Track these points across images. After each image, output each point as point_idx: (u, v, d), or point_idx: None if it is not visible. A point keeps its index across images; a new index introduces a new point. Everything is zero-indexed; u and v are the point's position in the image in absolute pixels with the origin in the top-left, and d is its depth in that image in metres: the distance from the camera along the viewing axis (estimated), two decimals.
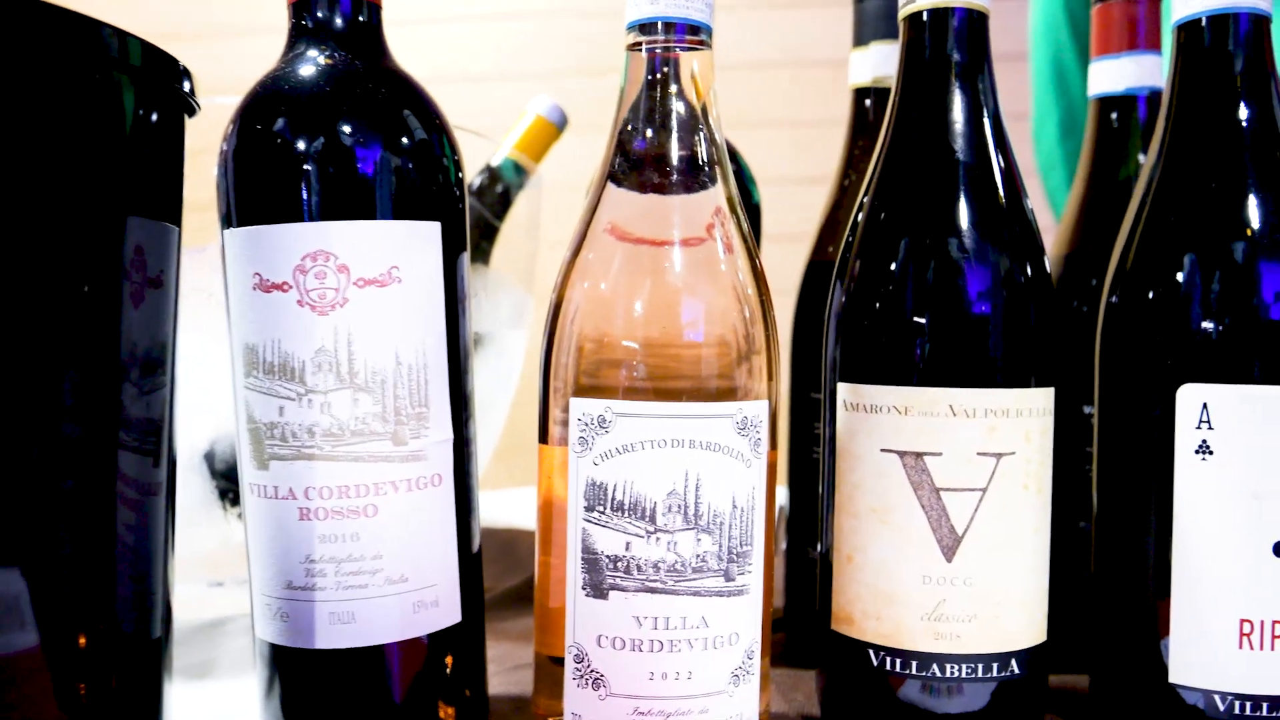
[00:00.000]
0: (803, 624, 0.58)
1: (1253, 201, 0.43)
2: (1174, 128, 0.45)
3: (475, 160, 0.71)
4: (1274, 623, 0.42)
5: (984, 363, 0.43)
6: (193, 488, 0.58)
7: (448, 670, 0.44)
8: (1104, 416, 0.46)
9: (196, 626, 0.61)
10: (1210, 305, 0.42)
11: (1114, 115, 0.58)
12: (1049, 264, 0.59)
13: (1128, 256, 0.46)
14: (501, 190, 0.71)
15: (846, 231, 0.47)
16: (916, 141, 0.45)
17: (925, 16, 0.46)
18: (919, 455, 0.42)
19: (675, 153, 0.41)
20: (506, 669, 0.53)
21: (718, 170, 0.42)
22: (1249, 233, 0.42)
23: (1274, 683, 0.42)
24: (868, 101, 0.58)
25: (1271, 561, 0.42)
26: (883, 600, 0.43)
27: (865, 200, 0.46)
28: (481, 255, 0.71)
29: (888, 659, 0.43)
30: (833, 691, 0.46)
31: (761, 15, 2.06)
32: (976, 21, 0.46)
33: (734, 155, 0.59)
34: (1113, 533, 0.45)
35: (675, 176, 0.41)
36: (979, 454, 0.42)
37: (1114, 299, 0.46)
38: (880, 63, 0.57)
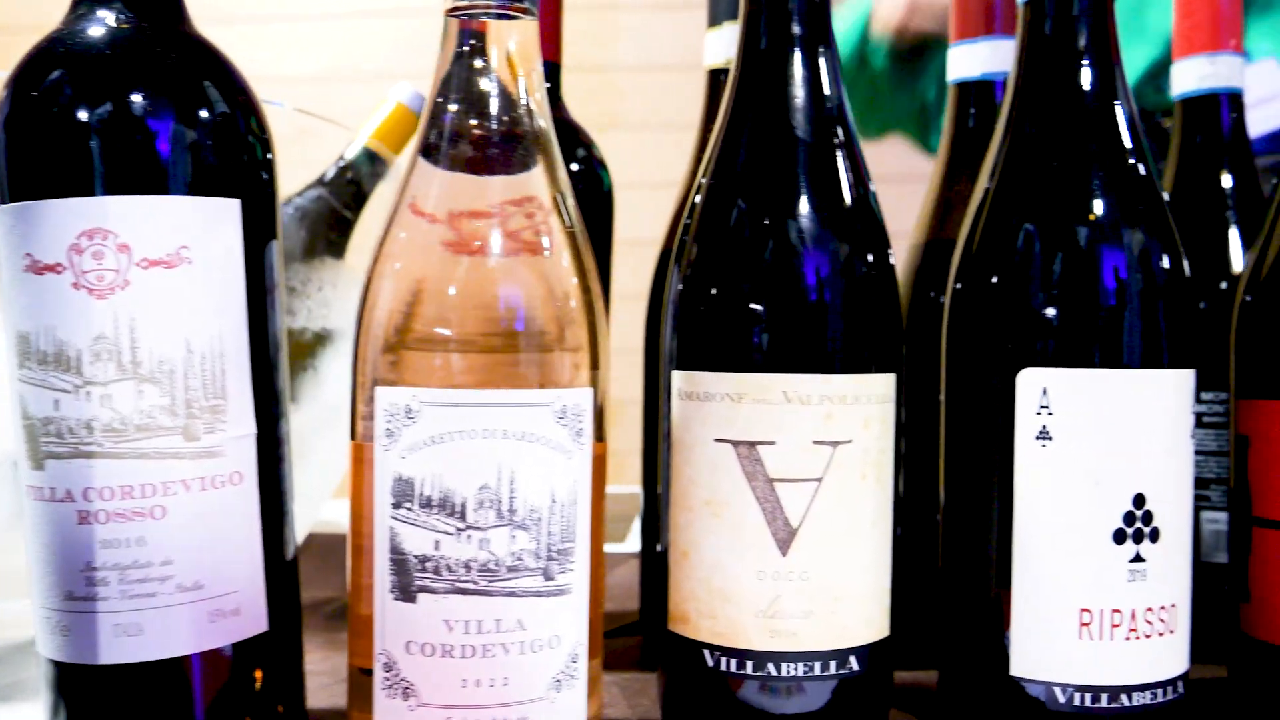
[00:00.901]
0: (657, 626, 0.56)
1: (1091, 185, 0.42)
2: (1017, 110, 0.44)
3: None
4: (1113, 611, 0.41)
5: (819, 348, 0.41)
6: (2, 498, 0.54)
7: (256, 684, 0.41)
8: (949, 404, 0.45)
9: (14, 646, 0.56)
10: (1050, 288, 0.41)
11: (971, 101, 0.57)
12: (911, 250, 0.59)
13: (971, 241, 0.45)
14: (353, 180, 0.67)
15: (684, 215, 0.46)
16: (753, 121, 0.44)
17: None
18: (753, 445, 0.41)
19: (483, 129, 0.39)
20: (337, 681, 0.49)
21: (536, 150, 0.40)
22: (1087, 217, 0.42)
23: (1113, 673, 0.41)
24: (722, 81, 0.57)
25: (1111, 549, 0.41)
26: (717, 598, 0.41)
27: (702, 183, 0.45)
28: (333, 249, 0.67)
29: (723, 659, 0.41)
30: (672, 695, 0.44)
31: (619, 17, 2.05)
32: None
33: (585, 142, 0.57)
34: (957, 522, 0.44)
35: (483, 154, 0.39)
36: (815, 443, 0.40)
37: (958, 285, 0.44)
38: (733, 43, 0.56)
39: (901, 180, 0.75)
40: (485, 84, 0.39)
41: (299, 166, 0.63)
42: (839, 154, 0.43)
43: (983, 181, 0.45)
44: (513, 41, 0.39)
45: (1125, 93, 0.43)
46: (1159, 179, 0.44)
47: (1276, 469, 0.43)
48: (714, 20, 0.56)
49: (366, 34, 1.90)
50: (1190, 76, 0.57)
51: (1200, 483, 0.53)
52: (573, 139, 0.56)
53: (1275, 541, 0.43)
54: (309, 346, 0.61)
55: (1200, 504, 0.54)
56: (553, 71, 0.56)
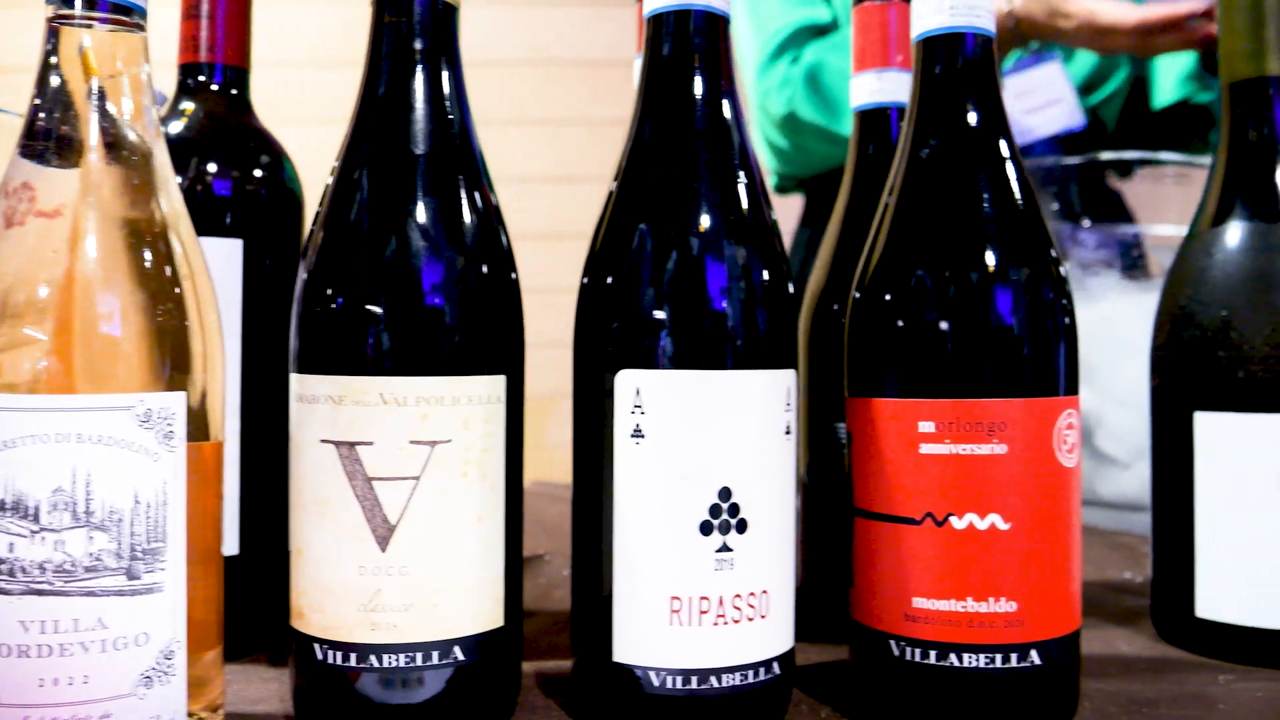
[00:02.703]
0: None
1: (691, 194, 0.44)
2: (638, 117, 0.46)
3: None
4: (701, 599, 0.43)
5: (415, 352, 0.42)
6: None
7: None
8: (574, 401, 0.47)
9: None
10: (644, 292, 0.44)
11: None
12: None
13: (595, 243, 0.46)
14: None
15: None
16: (376, 127, 0.45)
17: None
18: (352, 445, 0.42)
19: (54, 129, 0.40)
20: None
21: (116, 152, 0.40)
22: (682, 225, 0.44)
23: (700, 657, 0.43)
24: None
25: (698, 540, 0.43)
26: (324, 593, 0.43)
27: (327, 185, 0.46)
28: None
29: (330, 652, 0.43)
30: (300, 690, 0.45)
31: (516, 13, 2.06)
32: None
33: (273, 146, 0.57)
34: (576, 516, 0.46)
35: (57, 152, 0.40)
36: (411, 442, 0.42)
37: (583, 281, 0.46)
38: None
39: None
40: (60, 84, 0.40)
41: None
42: (461, 167, 0.45)
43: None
44: (87, 43, 0.40)
45: (738, 121, 0.46)
46: (762, 192, 0.46)
47: (871, 463, 0.46)
48: None
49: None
50: (863, 91, 0.60)
51: None
52: (260, 143, 0.57)
53: (872, 531, 0.46)
54: None
55: None
56: (238, 76, 0.57)
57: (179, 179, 0.54)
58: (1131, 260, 0.89)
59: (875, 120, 0.60)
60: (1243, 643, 0.53)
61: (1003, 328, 0.44)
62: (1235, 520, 0.54)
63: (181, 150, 0.54)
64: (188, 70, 0.56)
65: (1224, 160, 0.57)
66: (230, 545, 0.54)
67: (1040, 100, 1.18)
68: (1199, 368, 0.55)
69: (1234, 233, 0.56)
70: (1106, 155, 0.87)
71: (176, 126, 0.55)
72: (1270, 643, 0.53)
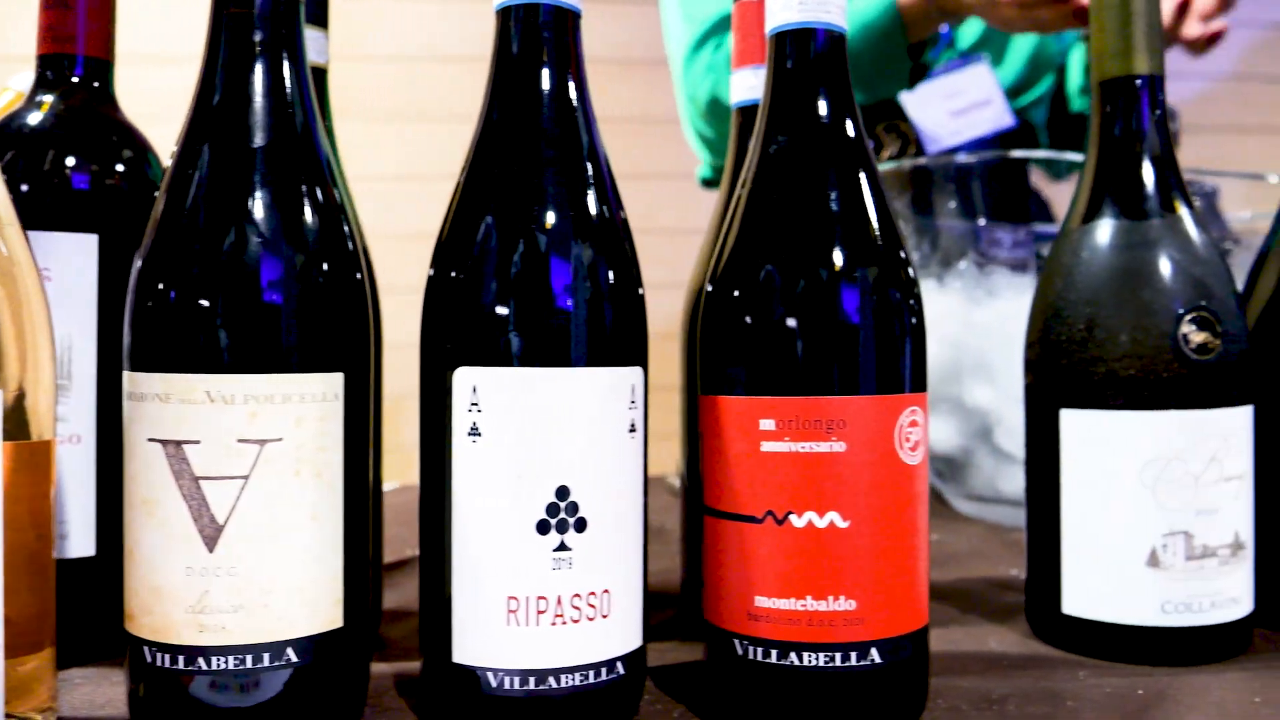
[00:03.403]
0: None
1: (534, 196, 0.44)
2: (487, 110, 0.46)
3: None
4: (539, 598, 0.43)
5: (240, 349, 0.42)
6: None
7: None
8: (420, 399, 0.46)
9: None
10: (480, 291, 0.43)
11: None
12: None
13: (440, 236, 0.46)
14: None
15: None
16: (213, 123, 0.44)
17: None
18: (179, 444, 0.41)
19: None
20: None
21: None
22: (520, 224, 0.43)
23: (539, 657, 0.43)
24: None
25: (534, 539, 0.43)
26: (153, 595, 0.42)
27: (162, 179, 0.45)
28: None
29: (160, 655, 0.42)
30: (134, 695, 0.44)
31: (410, 8, 2.05)
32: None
33: (137, 138, 0.57)
34: (422, 516, 0.45)
35: None
36: (240, 441, 0.41)
37: (429, 274, 0.46)
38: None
39: None
40: None
41: None
42: (299, 163, 0.44)
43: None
44: None
45: (586, 117, 0.45)
46: (610, 190, 0.46)
47: (717, 461, 0.46)
48: None
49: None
50: (742, 87, 0.60)
51: None
52: (123, 137, 0.56)
53: (717, 529, 0.46)
54: None
55: None
56: (101, 69, 0.56)
57: (34, 172, 0.53)
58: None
59: (753, 116, 0.59)
60: (1105, 639, 0.54)
61: (841, 326, 0.44)
62: (1097, 517, 0.54)
63: (38, 143, 0.53)
64: (47, 62, 0.55)
65: (1094, 158, 0.57)
66: (85, 546, 0.53)
67: (969, 102, 1.18)
68: (1065, 365, 0.55)
69: (1101, 230, 0.56)
70: (1017, 154, 0.87)
71: (34, 119, 0.54)
72: (1130, 639, 0.53)
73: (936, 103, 1.10)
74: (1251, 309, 0.60)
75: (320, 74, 0.57)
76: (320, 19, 0.56)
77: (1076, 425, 0.54)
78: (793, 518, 0.43)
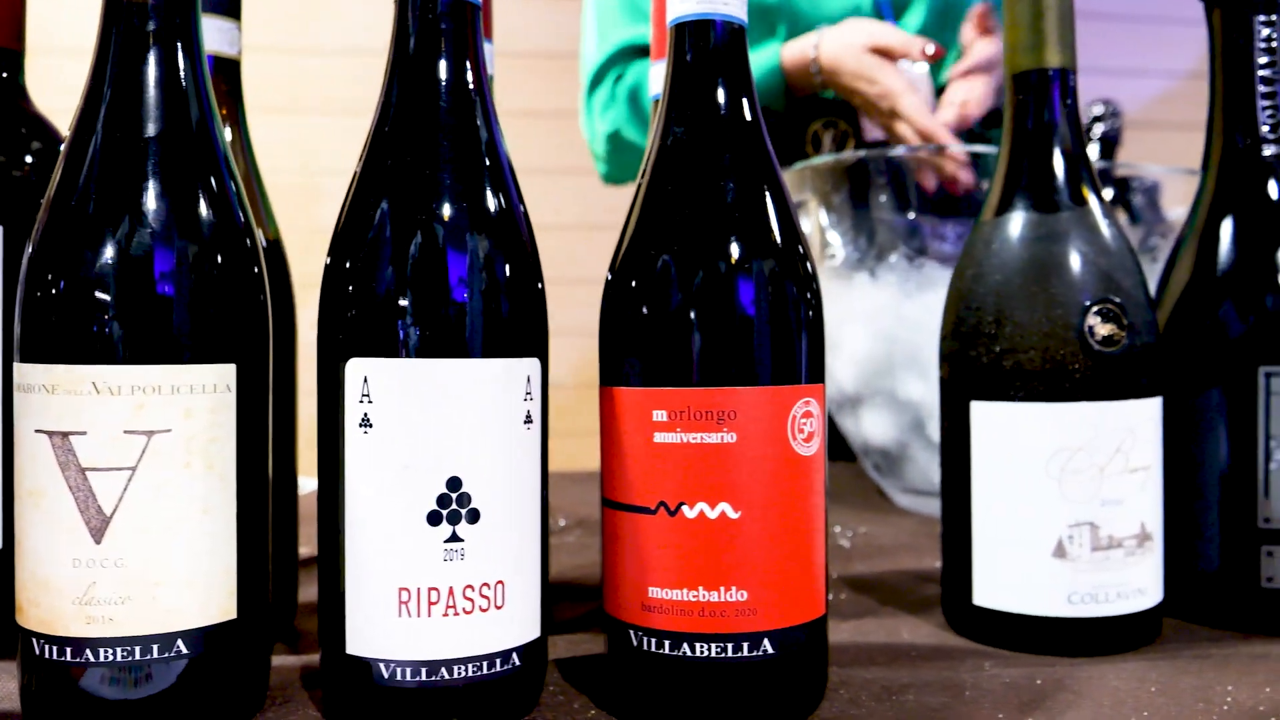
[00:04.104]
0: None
1: (429, 187, 0.44)
2: (386, 96, 0.46)
3: None
4: (430, 590, 0.43)
5: (127, 339, 0.41)
6: None
7: None
8: (317, 390, 0.46)
9: None
10: (371, 282, 0.43)
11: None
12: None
13: (337, 227, 0.46)
14: None
15: None
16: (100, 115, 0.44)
17: None
18: (65, 435, 0.41)
19: None
20: None
21: None
22: (411, 214, 0.43)
23: (431, 648, 0.43)
24: None
25: (425, 531, 0.43)
26: (40, 587, 0.42)
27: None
28: None
29: (48, 647, 0.42)
30: (25, 688, 0.44)
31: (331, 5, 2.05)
32: None
33: (49, 130, 0.56)
34: (320, 508, 0.45)
35: None
36: (126, 432, 0.41)
37: (327, 261, 0.46)
38: None
39: None
40: None
41: None
42: (194, 155, 0.44)
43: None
44: None
45: (485, 109, 0.45)
46: (509, 181, 0.46)
47: (614, 452, 0.46)
48: None
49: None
50: (659, 80, 0.60)
51: None
52: (34, 128, 0.55)
53: (614, 520, 0.46)
54: None
55: None
56: (9, 59, 0.55)
57: None
58: None
59: None
60: (1013, 630, 0.54)
61: (730, 317, 0.44)
62: (1006, 509, 0.54)
63: None
64: None
65: (1006, 151, 0.57)
66: None
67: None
68: (974, 357, 0.55)
69: (1011, 223, 0.56)
70: (945, 147, 0.88)
71: None
72: (1037, 629, 0.53)
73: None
74: (1166, 301, 0.61)
75: (232, 66, 0.57)
76: (233, 10, 0.56)
77: (986, 417, 0.55)
78: (684, 509, 0.44)
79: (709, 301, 0.44)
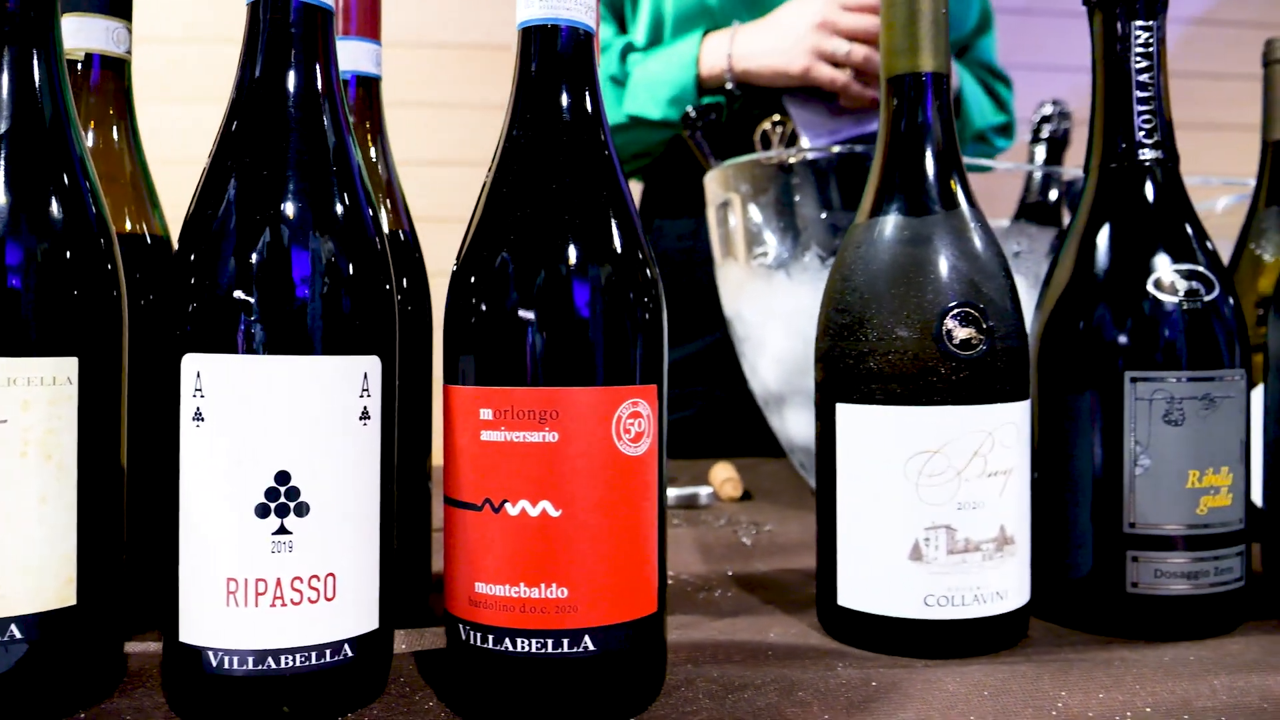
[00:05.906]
0: None
1: (258, 180, 0.45)
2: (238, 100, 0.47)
3: None
4: (258, 580, 0.44)
5: None
6: None
7: None
8: (159, 383, 0.47)
9: None
10: (205, 278, 0.44)
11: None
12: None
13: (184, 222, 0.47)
14: None
15: None
16: None
17: None
18: None
19: None
20: None
21: None
22: (259, 213, 0.44)
23: (259, 638, 0.44)
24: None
25: (253, 522, 0.44)
26: None
27: None
28: None
29: None
30: None
31: None
32: None
33: None
34: (158, 500, 0.47)
35: None
36: None
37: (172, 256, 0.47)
38: None
39: None
40: None
41: None
42: (46, 150, 0.45)
43: None
44: None
45: (334, 109, 0.46)
46: (357, 181, 0.47)
47: (449, 450, 0.47)
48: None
49: None
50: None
51: None
52: None
53: (449, 517, 0.47)
54: None
55: None
56: None
57: None
58: None
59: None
60: (872, 631, 0.54)
61: (554, 318, 0.44)
62: (867, 511, 0.54)
63: None
64: None
65: (881, 154, 0.58)
66: None
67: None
68: (839, 359, 0.56)
69: (880, 225, 0.56)
70: (862, 149, 0.88)
71: None
72: (895, 631, 0.54)
73: (816, 101, 1.11)
74: (1046, 303, 0.61)
75: (119, 64, 0.58)
76: (119, 10, 0.57)
77: (849, 419, 0.55)
78: (508, 506, 0.44)
79: (531, 302, 0.44)
